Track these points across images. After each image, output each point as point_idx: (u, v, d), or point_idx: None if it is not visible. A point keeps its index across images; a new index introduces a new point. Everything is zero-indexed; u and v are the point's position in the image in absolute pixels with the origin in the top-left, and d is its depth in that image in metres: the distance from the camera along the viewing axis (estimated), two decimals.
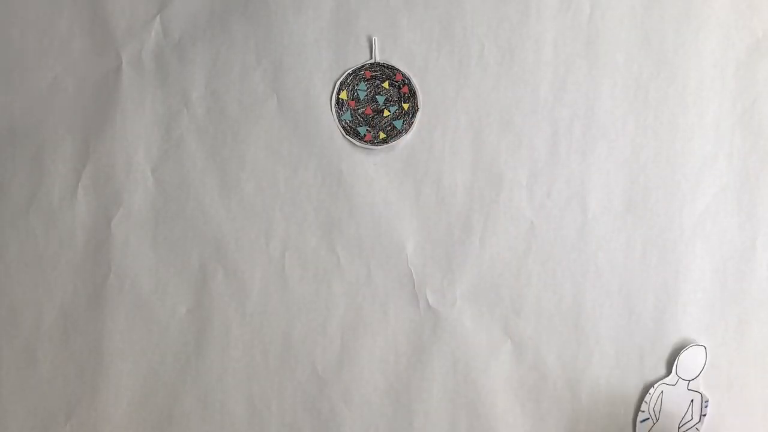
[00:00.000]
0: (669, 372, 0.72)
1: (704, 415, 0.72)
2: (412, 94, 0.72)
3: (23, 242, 0.73)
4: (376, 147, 0.73)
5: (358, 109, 0.73)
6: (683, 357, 0.72)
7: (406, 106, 0.72)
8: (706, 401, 0.72)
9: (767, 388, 0.73)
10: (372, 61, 0.72)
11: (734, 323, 0.73)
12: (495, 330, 0.73)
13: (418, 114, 0.73)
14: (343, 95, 0.72)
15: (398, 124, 0.72)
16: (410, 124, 0.72)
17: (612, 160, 0.73)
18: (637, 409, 0.72)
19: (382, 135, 0.72)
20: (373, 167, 0.73)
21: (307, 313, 0.73)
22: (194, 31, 0.72)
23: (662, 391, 0.72)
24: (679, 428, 0.72)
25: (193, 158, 0.73)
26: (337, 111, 0.72)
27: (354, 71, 0.72)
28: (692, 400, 0.72)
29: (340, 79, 0.72)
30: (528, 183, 0.73)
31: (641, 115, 0.72)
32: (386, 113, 0.73)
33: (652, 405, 0.72)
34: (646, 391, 0.72)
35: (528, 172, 0.73)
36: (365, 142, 0.72)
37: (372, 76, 0.72)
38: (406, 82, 0.72)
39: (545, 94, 0.72)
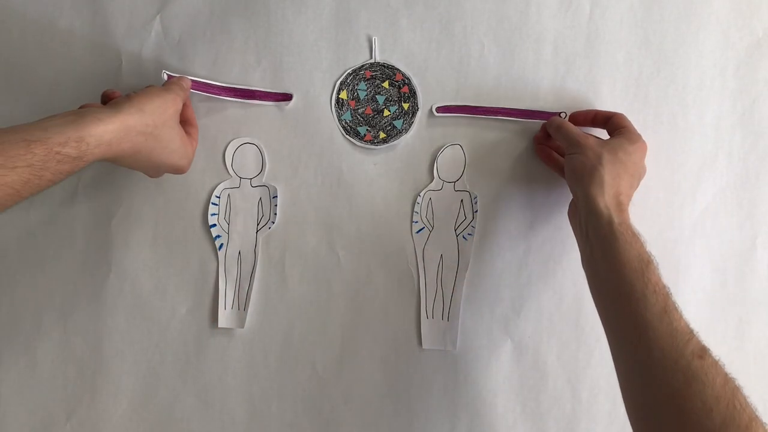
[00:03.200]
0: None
1: (476, 212, 0.72)
2: (412, 94, 0.72)
3: (23, 242, 0.73)
4: (376, 147, 0.73)
5: (358, 108, 0.72)
6: (441, 160, 0.71)
7: (406, 106, 0.72)
8: (475, 197, 0.72)
9: (767, 387, 0.73)
10: (372, 60, 0.72)
11: (734, 323, 0.73)
12: (495, 330, 0.73)
13: (418, 114, 0.72)
14: (343, 95, 0.72)
15: (398, 123, 0.72)
16: (410, 124, 0.72)
17: None
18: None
19: (382, 135, 0.72)
20: (373, 167, 0.73)
21: (307, 313, 0.73)
22: (194, 31, 0.72)
23: (430, 198, 0.72)
24: (455, 230, 0.72)
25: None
26: (337, 111, 0.72)
27: (354, 71, 0.72)
28: (462, 200, 0.72)
29: (340, 79, 0.72)
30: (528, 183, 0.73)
31: (641, 115, 0.72)
32: (386, 113, 0.72)
33: (423, 214, 0.72)
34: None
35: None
36: (365, 142, 0.72)
37: (372, 75, 0.72)
38: (406, 81, 0.72)
39: (545, 94, 0.72)
